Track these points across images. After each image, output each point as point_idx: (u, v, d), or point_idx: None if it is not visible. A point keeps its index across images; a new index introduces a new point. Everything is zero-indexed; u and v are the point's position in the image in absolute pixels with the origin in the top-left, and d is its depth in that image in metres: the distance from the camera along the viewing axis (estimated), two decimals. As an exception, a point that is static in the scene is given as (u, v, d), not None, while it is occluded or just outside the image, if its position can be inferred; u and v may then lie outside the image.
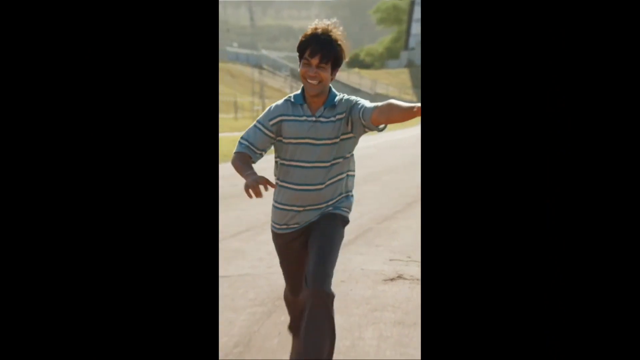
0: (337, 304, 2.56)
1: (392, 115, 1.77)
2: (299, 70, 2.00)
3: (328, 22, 1.96)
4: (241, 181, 1.91)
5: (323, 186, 2.01)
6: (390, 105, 1.80)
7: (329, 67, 1.94)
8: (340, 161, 2.03)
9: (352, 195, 2.16)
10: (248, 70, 36.14)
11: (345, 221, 2.10)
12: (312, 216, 2.06)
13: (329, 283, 1.98)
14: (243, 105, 28.84)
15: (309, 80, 1.94)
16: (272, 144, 2.07)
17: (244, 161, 1.99)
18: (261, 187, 1.84)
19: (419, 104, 1.50)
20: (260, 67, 36.76)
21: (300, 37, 1.96)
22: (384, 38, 56.28)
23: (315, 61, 1.91)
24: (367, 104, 1.94)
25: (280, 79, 37.96)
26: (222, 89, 31.02)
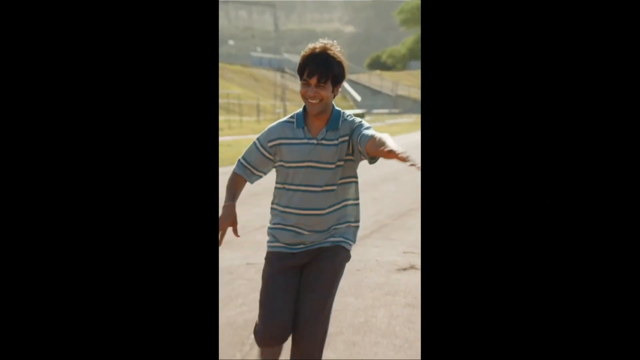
0: (352, 290, 2.96)
1: (378, 151, 1.61)
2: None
3: (326, 42, 1.93)
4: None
5: (326, 211, 1.95)
6: (381, 141, 1.65)
7: (328, 85, 1.89)
8: (344, 186, 1.98)
9: (357, 227, 2.06)
10: (271, 74, 36.32)
11: (348, 257, 2.01)
12: (319, 238, 1.98)
13: (322, 343, 1.92)
14: (265, 108, 29.07)
15: (310, 100, 1.90)
16: (272, 166, 2.01)
17: (232, 185, 1.98)
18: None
19: (406, 154, 1.35)
20: (283, 71, 36.88)
21: (300, 59, 1.92)
22: (407, 39, 55.62)
23: (313, 81, 1.88)
24: (367, 130, 1.88)
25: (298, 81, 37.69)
26: (246, 92, 31.17)
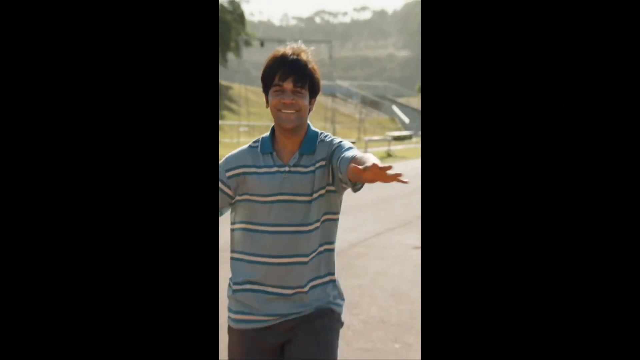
0: (380, 261, 3.70)
1: (358, 171, 1.21)
2: (268, 103, 1.53)
3: (298, 45, 1.56)
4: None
5: (307, 259, 1.51)
6: (362, 160, 1.31)
7: (306, 93, 1.51)
8: (326, 224, 1.55)
9: (338, 280, 1.61)
10: (322, 99, 36.95)
11: (341, 323, 1.59)
12: (290, 308, 1.51)
13: None
14: (317, 128, 29.33)
15: (284, 110, 1.49)
16: (228, 203, 1.58)
17: None
18: None
19: (387, 167, 1.11)
20: (334, 95, 37.38)
21: (265, 64, 1.54)
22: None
23: (289, 85, 1.49)
24: (348, 152, 1.47)
25: (351, 105, 38.36)
26: (297, 115, 31.61)
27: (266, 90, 1.56)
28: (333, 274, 1.60)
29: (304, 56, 1.55)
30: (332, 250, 1.60)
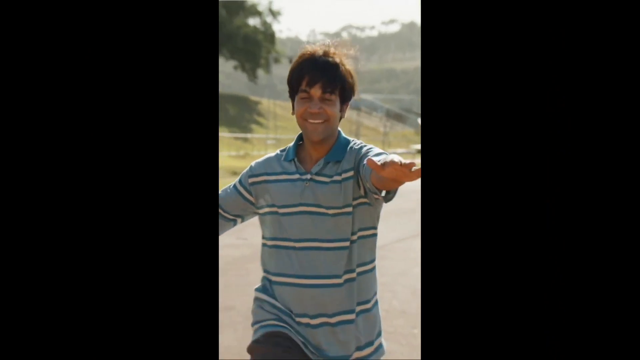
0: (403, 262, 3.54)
1: (380, 172, 1.04)
2: (294, 111, 1.35)
3: (329, 43, 1.36)
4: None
5: (335, 281, 1.31)
6: (386, 162, 1.06)
7: (336, 100, 1.33)
8: (361, 242, 1.35)
9: (376, 308, 1.39)
10: (346, 112, 36.88)
11: None
12: (322, 338, 1.31)
13: None
14: (340, 142, 29.41)
15: (310, 120, 1.32)
16: (252, 211, 1.46)
17: None
18: None
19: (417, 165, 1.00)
20: (358, 109, 37.44)
21: (292, 65, 1.36)
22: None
23: (316, 92, 1.30)
24: (374, 157, 1.15)
25: (375, 118, 38.33)
26: (323, 128, 31.83)
27: (292, 95, 1.37)
28: (370, 300, 1.36)
29: (335, 56, 1.35)
30: (369, 271, 1.37)
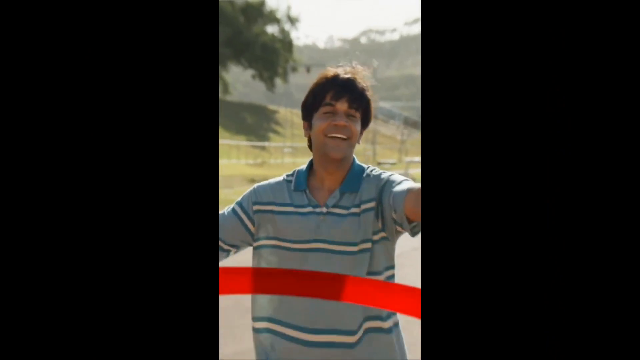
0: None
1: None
2: (312, 129, 1.25)
3: (353, 66, 1.28)
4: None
5: (354, 338, 1.16)
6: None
7: (359, 119, 1.23)
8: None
9: None
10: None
11: None
12: None
13: None
14: (356, 151, 29.44)
15: (334, 134, 1.19)
16: (248, 242, 1.27)
17: None
18: None
19: None
20: (375, 117, 37.42)
21: (314, 84, 1.26)
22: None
23: (342, 105, 1.20)
24: (400, 185, 1.15)
25: (392, 126, 38.15)
26: (340, 136, 31.84)
27: (309, 114, 1.25)
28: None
29: (359, 79, 1.26)
30: (394, 326, 1.20)
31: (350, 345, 1.15)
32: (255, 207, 1.27)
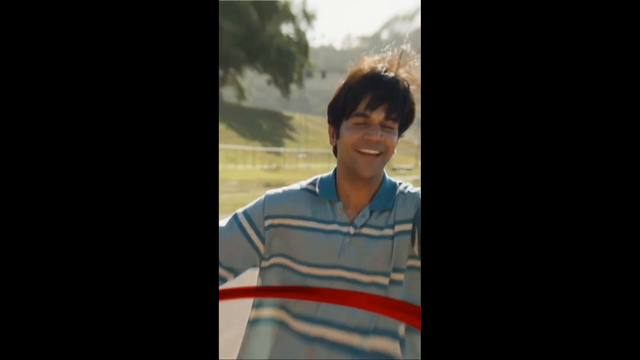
0: None
1: None
2: (340, 138, 1.02)
3: (394, 55, 1.02)
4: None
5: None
6: None
7: (396, 130, 1.01)
8: (407, 338, 1.01)
9: None
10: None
11: None
12: None
13: None
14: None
15: (366, 150, 0.98)
16: (254, 263, 1.05)
17: None
18: None
19: None
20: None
21: (346, 78, 1.02)
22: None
23: (379, 116, 0.98)
24: None
25: (409, 131, 37.82)
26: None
27: (338, 119, 1.01)
28: None
29: (403, 74, 1.00)
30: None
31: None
32: (268, 222, 1.03)
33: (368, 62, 1.01)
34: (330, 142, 1.05)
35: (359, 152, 0.99)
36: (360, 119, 0.98)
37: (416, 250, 1.00)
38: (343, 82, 1.02)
